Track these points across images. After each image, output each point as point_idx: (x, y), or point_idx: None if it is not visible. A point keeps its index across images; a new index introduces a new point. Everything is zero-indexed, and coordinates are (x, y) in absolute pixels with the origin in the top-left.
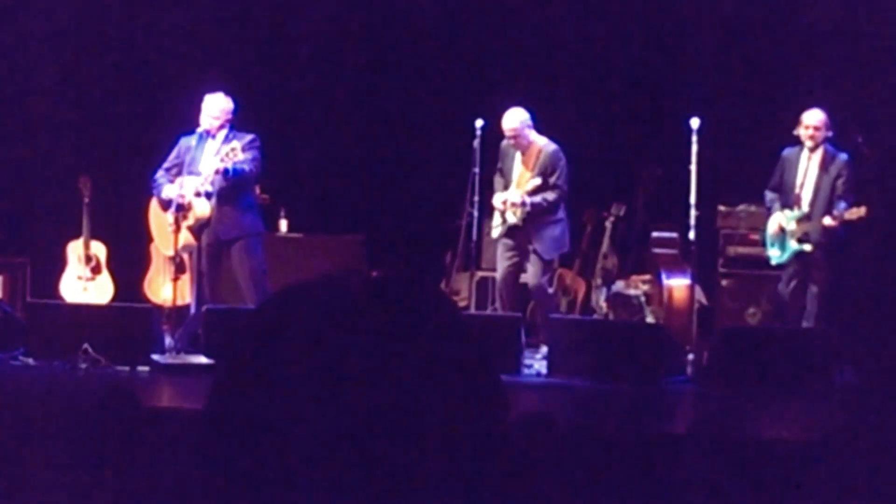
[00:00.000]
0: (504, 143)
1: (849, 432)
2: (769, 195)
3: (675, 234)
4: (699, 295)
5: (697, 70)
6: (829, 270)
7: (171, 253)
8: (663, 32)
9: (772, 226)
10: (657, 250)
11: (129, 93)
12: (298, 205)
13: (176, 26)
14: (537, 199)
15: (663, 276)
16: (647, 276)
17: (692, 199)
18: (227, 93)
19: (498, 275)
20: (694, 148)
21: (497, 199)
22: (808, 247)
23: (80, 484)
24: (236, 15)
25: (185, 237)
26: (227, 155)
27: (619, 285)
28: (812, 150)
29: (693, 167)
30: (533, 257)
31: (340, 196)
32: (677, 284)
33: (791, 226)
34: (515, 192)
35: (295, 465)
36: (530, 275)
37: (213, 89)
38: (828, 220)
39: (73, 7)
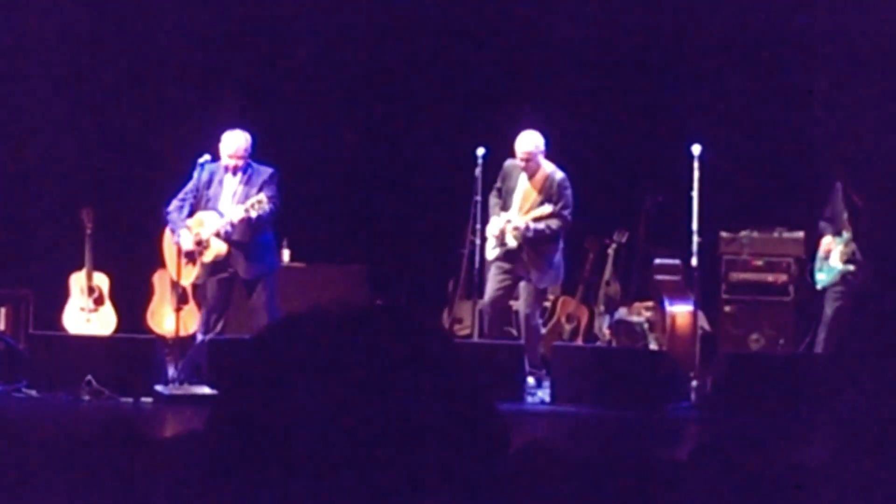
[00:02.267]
0: (509, 163)
1: (854, 457)
2: (822, 224)
3: (677, 261)
4: (702, 321)
5: (699, 97)
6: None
7: (188, 282)
8: (665, 60)
9: (822, 250)
10: (660, 277)
11: (130, 124)
12: (301, 234)
13: (178, 58)
14: (541, 225)
15: (666, 303)
16: (650, 303)
17: (694, 225)
18: (230, 124)
19: (486, 296)
20: (696, 174)
21: (494, 226)
22: (852, 266)
23: None
24: (239, 47)
25: (199, 270)
26: (252, 206)
27: (621, 312)
28: None
29: (695, 193)
30: (526, 285)
31: (343, 226)
32: (680, 311)
33: (839, 248)
34: (517, 215)
35: (292, 494)
36: (522, 302)
37: (215, 120)
38: None
39: (75, 39)
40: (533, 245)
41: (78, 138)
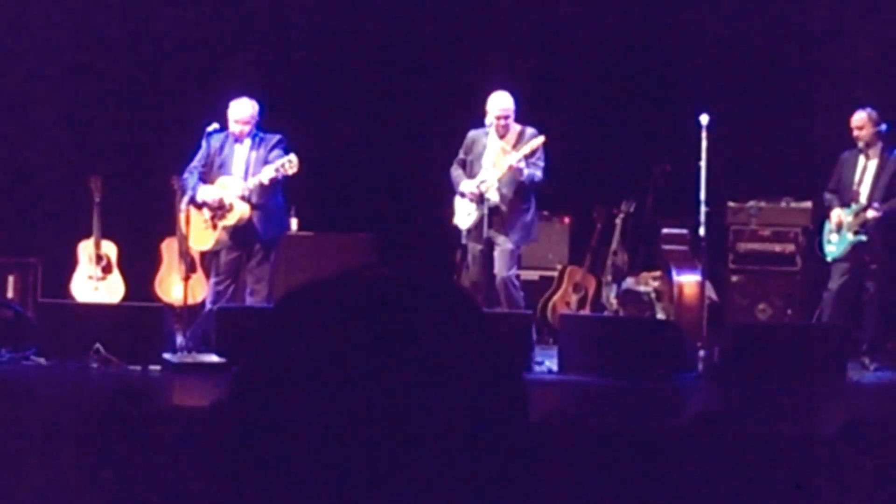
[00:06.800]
0: (473, 132)
1: (863, 427)
2: (827, 196)
3: (685, 231)
4: (709, 291)
5: (707, 66)
6: (886, 262)
7: (206, 248)
8: (673, 28)
9: (833, 223)
10: (667, 247)
11: (138, 92)
12: (309, 203)
13: (186, 26)
14: (530, 170)
15: (673, 273)
16: (658, 273)
17: (702, 195)
18: (237, 92)
19: (472, 277)
20: (704, 144)
21: (469, 185)
22: (864, 237)
23: (90, 483)
24: (247, 15)
25: (220, 234)
26: (283, 166)
27: (629, 282)
28: (866, 149)
29: (703, 163)
30: (501, 247)
31: (350, 194)
32: (687, 281)
33: (849, 219)
34: (493, 171)
35: (312, 461)
36: (498, 266)
37: (223, 89)
38: (871, 213)
39: (81, 7)
40: (507, 204)
41: (86, 106)
